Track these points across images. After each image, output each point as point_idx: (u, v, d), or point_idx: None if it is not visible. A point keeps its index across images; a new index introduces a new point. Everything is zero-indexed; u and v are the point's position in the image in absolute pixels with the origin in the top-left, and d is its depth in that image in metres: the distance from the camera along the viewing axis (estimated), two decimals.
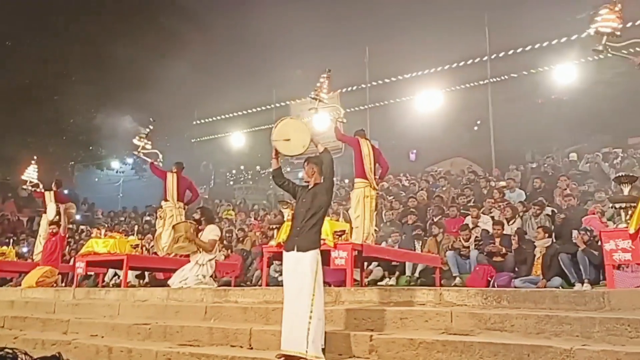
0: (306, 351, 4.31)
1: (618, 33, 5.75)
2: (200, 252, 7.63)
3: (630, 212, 5.16)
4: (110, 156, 26.81)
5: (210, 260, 7.68)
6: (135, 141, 10.30)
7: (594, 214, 8.36)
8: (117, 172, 28.83)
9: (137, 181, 28.06)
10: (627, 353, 3.57)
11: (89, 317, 7.00)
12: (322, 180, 4.87)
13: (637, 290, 4.94)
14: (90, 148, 25.74)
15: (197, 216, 7.98)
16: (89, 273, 10.79)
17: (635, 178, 5.85)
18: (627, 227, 5.06)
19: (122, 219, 19.13)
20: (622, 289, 5.13)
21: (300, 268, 4.57)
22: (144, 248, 10.22)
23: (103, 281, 11.48)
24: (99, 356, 5.60)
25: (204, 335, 5.51)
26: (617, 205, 5.50)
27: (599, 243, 6.18)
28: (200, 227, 7.76)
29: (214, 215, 10.41)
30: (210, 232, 7.74)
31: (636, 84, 14.60)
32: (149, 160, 10.34)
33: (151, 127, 10.57)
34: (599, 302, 4.65)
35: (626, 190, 5.44)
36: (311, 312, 4.40)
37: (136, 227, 13.11)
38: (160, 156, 10.40)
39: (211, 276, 7.77)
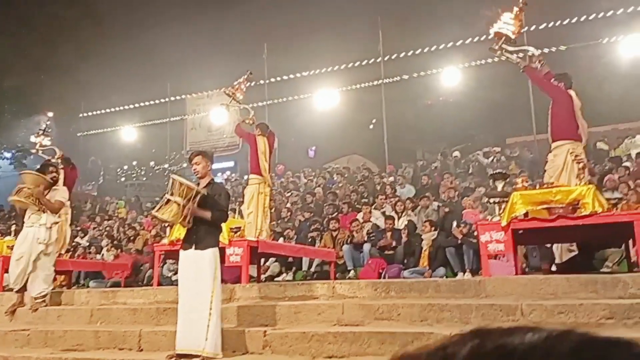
0: (203, 348, 4.27)
1: (513, 37, 6.23)
2: (43, 213, 6.53)
3: (503, 206, 5.62)
4: None
5: (55, 223, 6.69)
6: (33, 138, 9.92)
7: (471, 208, 9.02)
8: None
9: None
10: None
11: None
12: (214, 180, 4.81)
13: (509, 277, 5.37)
14: None
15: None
16: None
17: (507, 175, 6.38)
18: (500, 220, 5.51)
19: None
20: (497, 276, 5.54)
21: (198, 266, 4.50)
22: None
23: None
24: None
25: (89, 339, 5.24)
26: (492, 200, 5.97)
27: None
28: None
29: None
30: (59, 193, 6.90)
31: (512, 90, 15.95)
32: (46, 157, 9.74)
33: (48, 122, 10.35)
34: (476, 290, 5.04)
35: (500, 186, 5.89)
36: (210, 309, 4.37)
37: (13, 227, 12.06)
38: (58, 152, 9.85)
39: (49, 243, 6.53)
